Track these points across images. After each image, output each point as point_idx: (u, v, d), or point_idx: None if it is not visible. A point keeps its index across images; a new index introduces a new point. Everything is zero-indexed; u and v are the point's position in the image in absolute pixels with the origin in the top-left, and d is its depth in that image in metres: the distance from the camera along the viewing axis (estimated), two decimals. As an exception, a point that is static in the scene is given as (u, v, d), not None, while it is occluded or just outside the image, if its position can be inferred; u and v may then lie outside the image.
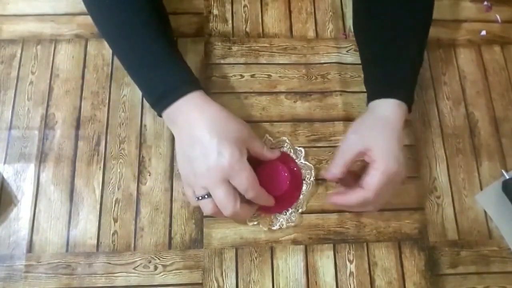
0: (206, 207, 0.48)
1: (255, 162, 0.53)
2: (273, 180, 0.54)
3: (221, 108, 0.49)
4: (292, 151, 0.60)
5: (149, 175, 0.59)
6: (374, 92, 0.55)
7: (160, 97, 0.48)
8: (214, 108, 0.48)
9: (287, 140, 0.60)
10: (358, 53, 0.66)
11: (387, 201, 0.53)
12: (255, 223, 0.57)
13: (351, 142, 0.52)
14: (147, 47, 0.49)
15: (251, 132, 0.50)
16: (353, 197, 0.49)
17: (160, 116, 0.50)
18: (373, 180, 0.48)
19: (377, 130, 0.51)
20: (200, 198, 0.48)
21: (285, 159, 0.57)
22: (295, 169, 0.58)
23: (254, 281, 0.55)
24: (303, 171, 0.59)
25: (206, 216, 0.57)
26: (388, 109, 0.52)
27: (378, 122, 0.52)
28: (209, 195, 0.47)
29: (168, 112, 0.48)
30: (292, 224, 0.57)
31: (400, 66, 0.54)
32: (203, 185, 0.46)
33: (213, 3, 0.69)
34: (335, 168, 0.51)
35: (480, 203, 0.61)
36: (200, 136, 0.45)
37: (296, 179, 0.52)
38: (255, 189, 0.48)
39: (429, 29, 0.57)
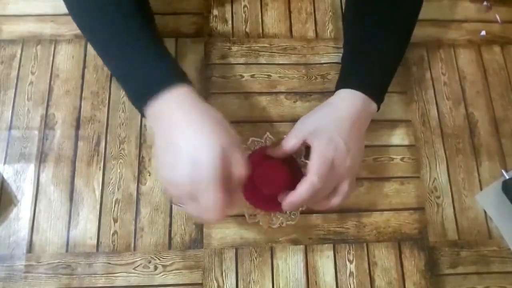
0: (191, 212, 0.44)
1: (255, 160, 0.53)
2: (274, 178, 0.54)
3: (209, 109, 0.44)
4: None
5: (149, 175, 0.59)
6: (340, 81, 0.55)
7: (143, 90, 0.44)
8: (202, 108, 0.43)
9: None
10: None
11: (348, 195, 0.51)
12: (255, 221, 0.57)
13: (299, 126, 0.53)
14: (129, 37, 0.45)
15: (239, 141, 0.44)
16: (301, 188, 0.48)
17: (143, 115, 0.45)
18: (312, 163, 0.48)
19: (320, 116, 0.52)
20: (181, 206, 0.44)
21: (286, 157, 0.57)
22: (295, 167, 0.58)
23: (254, 281, 0.55)
24: (303, 170, 0.59)
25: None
26: (343, 97, 0.52)
27: (326, 108, 0.52)
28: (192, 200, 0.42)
29: (151, 108, 0.43)
30: (292, 222, 0.57)
31: (373, 61, 0.53)
32: (185, 194, 0.41)
33: (213, 3, 0.69)
34: (283, 148, 0.52)
35: (480, 203, 0.61)
36: (178, 142, 0.40)
37: (297, 178, 0.52)
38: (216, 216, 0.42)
39: (413, 30, 0.56)
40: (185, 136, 0.41)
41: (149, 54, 0.46)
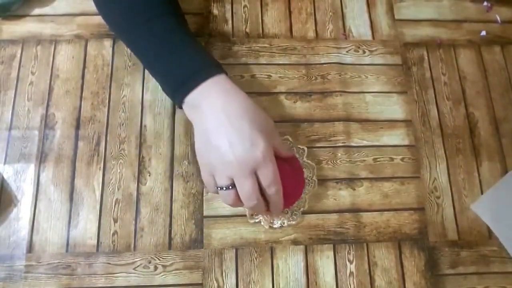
0: (228, 197, 0.44)
1: None
2: None
3: (248, 97, 0.46)
4: (295, 149, 0.60)
5: (149, 175, 0.59)
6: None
7: (182, 83, 0.45)
8: (243, 95, 0.45)
9: (289, 139, 0.60)
10: (358, 53, 0.67)
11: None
12: (256, 220, 0.57)
13: None
14: (165, 34, 0.48)
15: (275, 127, 0.47)
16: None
17: (181, 107, 0.47)
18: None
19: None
20: (224, 188, 0.44)
21: (289, 157, 0.57)
22: (298, 167, 0.58)
23: (254, 281, 0.55)
24: (305, 170, 0.59)
25: (206, 216, 0.58)
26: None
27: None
28: (233, 186, 0.43)
29: (191, 97, 0.45)
30: (294, 222, 0.57)
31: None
32: (228, 175, 0.43)
33: (213, 3, 0.69)
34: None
35: (476, 213, 0.60)
36: (231, 122, 0.42)
37: (299, 178, 0.52)
38: (278, 185, 0.45)
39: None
40: (238, 117, 0.43)
41: (187, 47, 0.48)
